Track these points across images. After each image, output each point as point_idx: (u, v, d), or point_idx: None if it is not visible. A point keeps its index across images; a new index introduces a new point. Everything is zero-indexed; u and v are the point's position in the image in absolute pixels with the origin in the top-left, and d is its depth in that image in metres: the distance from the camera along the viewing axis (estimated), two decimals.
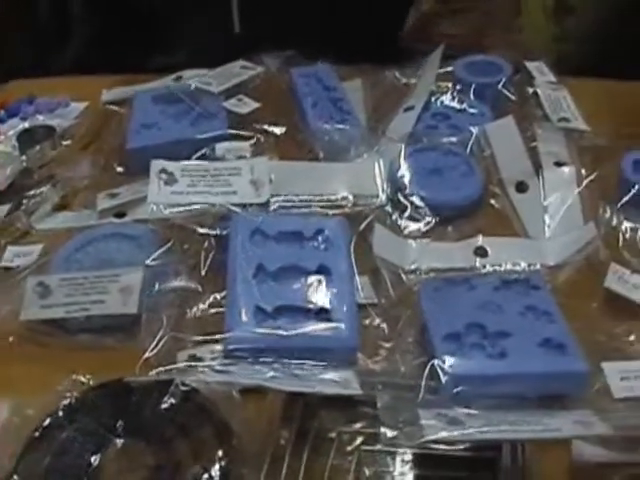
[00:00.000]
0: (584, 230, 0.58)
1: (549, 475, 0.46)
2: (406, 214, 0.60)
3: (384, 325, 0.53)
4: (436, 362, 0.47)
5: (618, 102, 0.74)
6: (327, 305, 0.52)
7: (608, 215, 0.60)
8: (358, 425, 0.46)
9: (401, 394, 0.47)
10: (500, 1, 0.91)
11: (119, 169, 0.68)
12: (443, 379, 0.46)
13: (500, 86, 0.70)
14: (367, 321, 0.53)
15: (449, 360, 0.47)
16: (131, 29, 1.30)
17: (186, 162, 0.61)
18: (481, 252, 0.58)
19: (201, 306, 0.54)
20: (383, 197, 0.59)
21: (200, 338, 0.52)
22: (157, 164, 0.62)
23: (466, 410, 0.44)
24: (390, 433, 0.42)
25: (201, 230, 0.57)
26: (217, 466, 0.45)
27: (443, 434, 0.42)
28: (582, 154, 0.66)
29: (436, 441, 0.42)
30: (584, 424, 0.44)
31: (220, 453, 0.46)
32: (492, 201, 0.63)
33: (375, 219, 0.58)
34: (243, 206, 0.58)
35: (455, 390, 0.46)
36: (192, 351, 0.52)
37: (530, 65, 0.75)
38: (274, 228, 0.56)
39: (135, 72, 0.81)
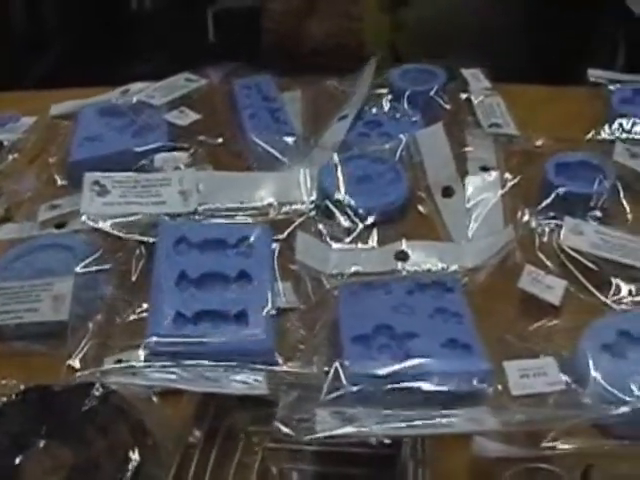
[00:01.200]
0: (503, 233, 0.60)
1: (451, 470, 0.48)
2: (332, 221, 0.62)
3: (303, 328, 0.55)
4: (339, 362, 0.49)
5: (551, 107, 0.76)
6: (245, 310, 0.53)
7: (527, 218, 0.62)
8: (266, 424, 0.48)
9: (307, 394, 0.49)
10: None
11: (62, 182, 0.70)
12: (344, 378, 0.48)
13: (433, 93, 0.72)
14: (287, 324, 0.55)
15: (352, 360, 0.49)
16: (108, 39, 1.33)
17: (118, 174, 0.62)
18: (402, 256, 0.60)
19: (130, 313, 0.56)
20: (309, 204, 0.61)
21: (125, 344, 0.54)
22: (90, 177, 0.64)
23: (364, 408, 0.47)
24: (284, 429, 0.43)
25: (131, 239, 0.59)
26: (131, 465, 0.47)
27: (336, 431, 0.43)
28: (510, 159, 0.68)
29: (330, 437, 0.44)
30: (477, 420, 0.46)
31: (135, 452, 0.48)
32: (419, 206, 0.65)
33: (299, 226, 0.60)
34: (172, 215, 0.60)
35: (356, 389, 0.48)
36: (118, 356, 0.54)
37: (466, 72, 0.77)
38: (198, 236, 0.58)
39: (112, 82, 0.82)
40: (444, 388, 0.48)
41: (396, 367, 0.49)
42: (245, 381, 0.50)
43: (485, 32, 0.89)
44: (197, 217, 0.60)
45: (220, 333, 0.53)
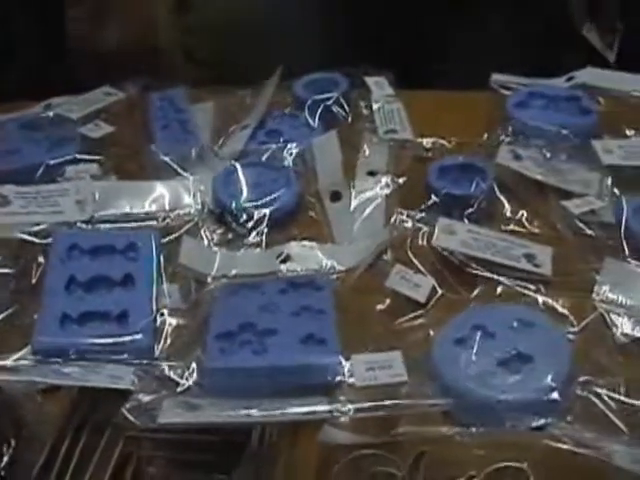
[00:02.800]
0: (379, 235, 0.63)
1: (302, 458, 0.50)
2: (224, 226, 0.66)
3: (183, 327, 0.58)
4: (197, 357, 0.53)
5: (451, 112, 0.78)
6: (127, 310, 0.57)
7: (404, 219, 0.65)
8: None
9: (168, 387, 0.53)
10: None
11: None
12: (198, 372, 0.51)
13: (333, 102, 0.75)
14: (169, 324, 0.58)
15: (210, 355, 0.53)
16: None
17: (21, 186, 0.66)
18: (284, 258, 0.64)
19: (25, 316, 0.60)
20: (199, 211, 0.64)
21: (17, 344, 0.58)
22: None
23: (212, 399, 0.50)
24: (128, 415, 0.47)
25: (31, 247, 0.63)
26: (7, 454, 0.51)
27: (176, 419, 0.47)
28: (401, 163, 0.71)
29: (171, 424, 0.47)
30: (313, 408, 0.48)
31: (12, 442, 0.52)
32: (309, 211, 0.68)
33: (187, 231, 0.64)
34: (69, 224, 0.64)
35: (211, 381, 0.52)
36: (9, 356, 0.58)
37: (369, 80, 0.79)
38: (89, 243, 0.63)
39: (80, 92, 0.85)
40: (296, 380, 0.52)
41: (252, 362, 0.53)
42: (114, 375, 0.54)
43: (282, 29, 0.92)
44: (92, 225, 0.64)
45: (102, 333, 0.56)
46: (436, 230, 0.63)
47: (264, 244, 0.65)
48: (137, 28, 0.91)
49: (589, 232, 0.65)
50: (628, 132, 0.75)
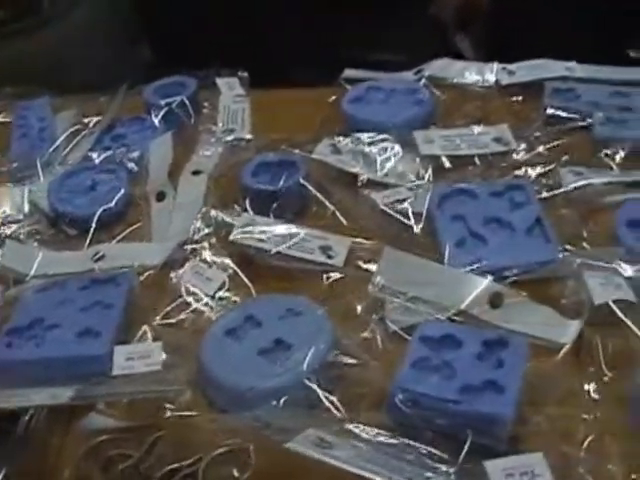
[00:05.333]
0: (181, 233, 0.65)
1: (65, 444, 0.54)
2: (54, 229, 0.70)
3: None
4: None
5: (294, 110, 0.80)
6: None
7: (213, 215, 0.67)
8: None
9: None
10: None
11: None
12: None
13: (176, 104, 0.78)
14: None
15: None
16: None
17: None
18: (98, 257, 0.67)
19: None
20: (25, 215, 0.69)
21: None
22: None
23: None
24: None
25: None
26: None
27: None
28: (228, 162, 0.73)
29: None
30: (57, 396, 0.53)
31: None
32: (137, 211, 0.70)
33: (10, 235, 0.68)
34: None
35: None
36: None
37: (220, 81, 0.82)
38: None
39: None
40: (68, 371, 0.55)
41: (30, 354, 0.57)
42: None
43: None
44: None
45: None
46: (236, 225, 0.66)
47: (87, 244, 0.69)
48: None
49: (394, 223, 0.67)
50: (459, 122, 0.77)
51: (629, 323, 0.56)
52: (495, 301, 0.58)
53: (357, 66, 0.86)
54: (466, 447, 0.49)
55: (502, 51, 0.90)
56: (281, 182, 0.68)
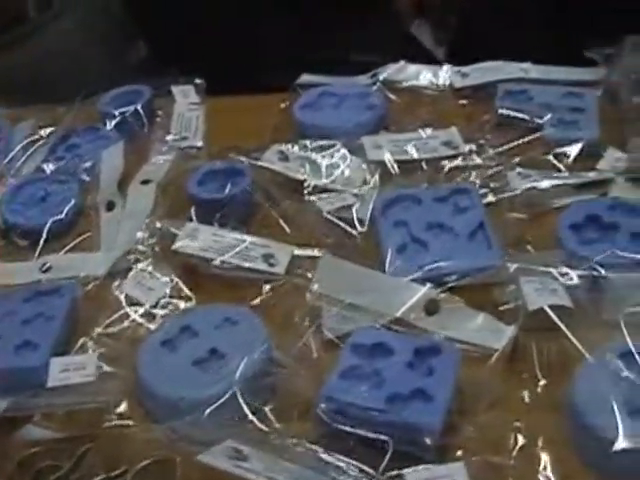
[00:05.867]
0: (127, 243, 0.66)
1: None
2: (4, 241, 0.71)
3: None
4: None
5: (249, 117, 0.79)
6: None
7: (158, 226, 0.67)
8: None
9: None
10: None
11: None
12: None
13: (130, 114, 0.78)
14: None
15: None
16: None
17: None
18: (46, 268, 0.67)
19: None
20: None
21: None
22: None
23: None
24: None
25: None
26: None
27: None
28: (178, 171, 0.72)
29: None
30: None
31: None
32: (87, 221, 0.71)
33: None
34: None
35: None
36: None
37: (176, 89, 0.82)
38: None
39: None
40: (8, 382, 0.56)
41: None
42: None
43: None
44: None
45: None
46: (179, 235, 0.67)
47: (37, 255, 0.69)
48: None
49: (338, 230, 0.67)
50: (412, 126, 0.76)
51: (564, 328, 0.57)
52: (431, 308, 0.59)
53: (331, 69, 0.88)
54: (387, 457, 0.49)
55: (465, 49, 0.90)
56: (226, 190, 0.69)
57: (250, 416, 0.52)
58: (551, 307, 0.56)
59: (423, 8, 1.00)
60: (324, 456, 0.48)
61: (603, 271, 0.58)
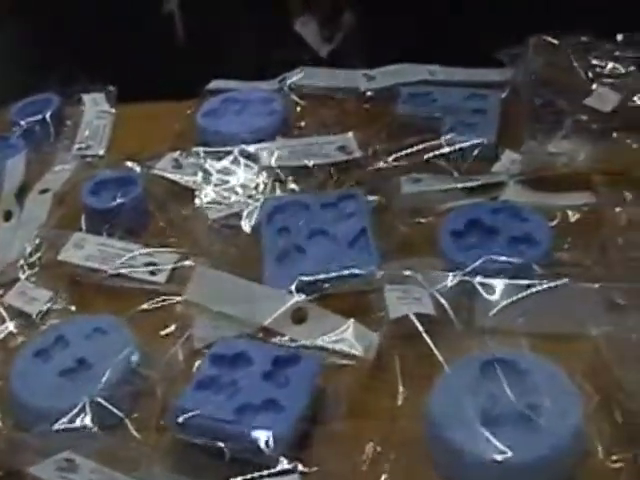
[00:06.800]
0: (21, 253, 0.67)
1: None
2: None
3: None
4: None
5: (158, 125, 0.79)
6: None
7: (48, 235, 0.68)
8: None
9: None
10: None
11: None
12: None
13: (37, 122, 0.79)
14: None
15: None
16: None
17: None
18: None
19: None
20: None
21: None
22: None
23: None
24: None
25: None
26: None
27: None
28: (75, 180, 0.72)
29: None
30: None
31: None
32: None
33: None
34: None
35: None
36: None
37: (86, 97, 0.83)
38: None
39: None
40: None
41: None
42: None
43: None
44: None
45: None
46: (66, 245, 0.67)
47: None
48: None
49: (223, 238, 0.67)
50: (315, 131, 0.76)
51: (426, 337, 0.57)
52: (298, 316, 0.59)
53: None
54: (225, 465, 0.49)
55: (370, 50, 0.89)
56: (116, 200, 0.70)
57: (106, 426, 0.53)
58: (418, 315, 0.55)
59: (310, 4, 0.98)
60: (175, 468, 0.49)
61: (478, 278, 0.58)
